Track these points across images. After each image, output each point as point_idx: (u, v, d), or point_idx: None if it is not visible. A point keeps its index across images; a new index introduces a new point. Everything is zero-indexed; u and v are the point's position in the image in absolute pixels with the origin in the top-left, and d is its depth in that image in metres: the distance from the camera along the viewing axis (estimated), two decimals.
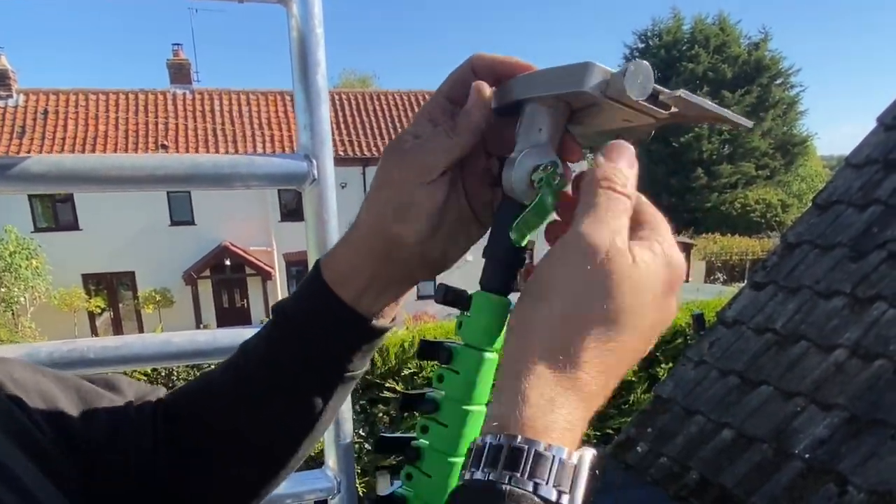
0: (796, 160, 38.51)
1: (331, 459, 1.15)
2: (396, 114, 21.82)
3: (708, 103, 0.52)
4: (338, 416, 1.11)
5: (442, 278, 0.64)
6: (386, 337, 0.67)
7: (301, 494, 1.13)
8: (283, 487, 1.13)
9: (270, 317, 0.69)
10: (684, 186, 36.41)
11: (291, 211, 19.99)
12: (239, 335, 1.07)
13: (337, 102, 21.44)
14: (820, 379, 2.58)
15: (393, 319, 0.68)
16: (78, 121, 18.49)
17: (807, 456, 2.40)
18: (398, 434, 0.62)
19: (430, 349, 0.59)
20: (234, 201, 19.46)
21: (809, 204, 3.39)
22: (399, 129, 20.86)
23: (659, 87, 0.51)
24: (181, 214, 19.63)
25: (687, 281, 23.38)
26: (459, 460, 0.56)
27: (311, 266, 1.11)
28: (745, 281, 3.41)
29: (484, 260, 0.59)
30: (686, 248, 27.33)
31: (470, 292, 0.59)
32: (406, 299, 0.68)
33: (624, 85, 0.49)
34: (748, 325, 3.10)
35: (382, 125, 21.35)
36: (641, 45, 38.31)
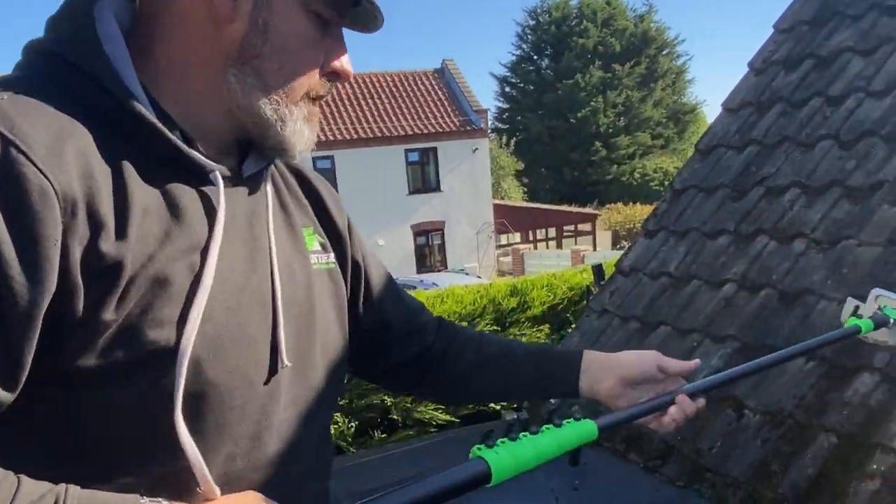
0: (688, 128, 40.22)
1: None
2: (348, 94, 20.43)
3: None
4: None
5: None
6: None
7: None
8: None
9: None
10: (585, 160, 37.41)
11: None
12: None
13: None
14: (712, 313, 2.67)
15: None
16: None
17: None
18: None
19: None
20: None
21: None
22: (353, 112, 19.98)
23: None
24: None
25: (595, 250, 24.10)
26: None
27: None
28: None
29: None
30: (592, 219, 28.18)
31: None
32: None
33: None
34: (644, 272, 3.18)
35: (346, 109, 20.26)
36: (532, 22, 38.86)
